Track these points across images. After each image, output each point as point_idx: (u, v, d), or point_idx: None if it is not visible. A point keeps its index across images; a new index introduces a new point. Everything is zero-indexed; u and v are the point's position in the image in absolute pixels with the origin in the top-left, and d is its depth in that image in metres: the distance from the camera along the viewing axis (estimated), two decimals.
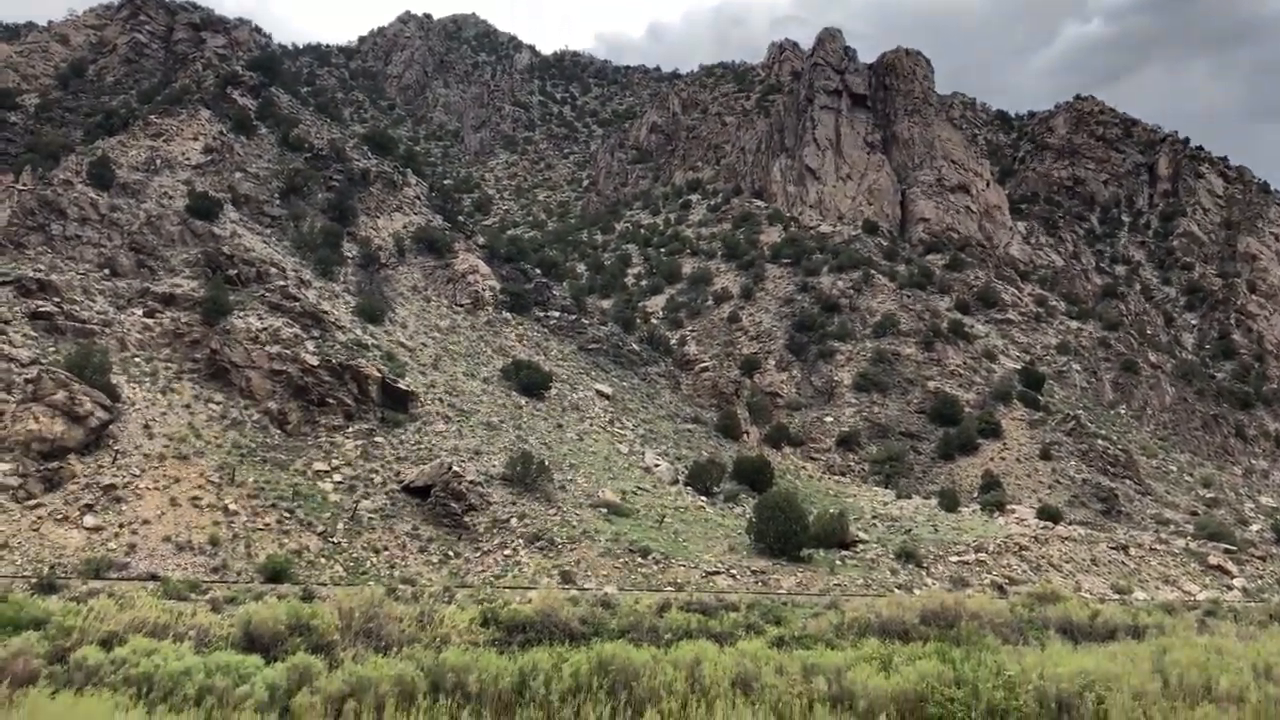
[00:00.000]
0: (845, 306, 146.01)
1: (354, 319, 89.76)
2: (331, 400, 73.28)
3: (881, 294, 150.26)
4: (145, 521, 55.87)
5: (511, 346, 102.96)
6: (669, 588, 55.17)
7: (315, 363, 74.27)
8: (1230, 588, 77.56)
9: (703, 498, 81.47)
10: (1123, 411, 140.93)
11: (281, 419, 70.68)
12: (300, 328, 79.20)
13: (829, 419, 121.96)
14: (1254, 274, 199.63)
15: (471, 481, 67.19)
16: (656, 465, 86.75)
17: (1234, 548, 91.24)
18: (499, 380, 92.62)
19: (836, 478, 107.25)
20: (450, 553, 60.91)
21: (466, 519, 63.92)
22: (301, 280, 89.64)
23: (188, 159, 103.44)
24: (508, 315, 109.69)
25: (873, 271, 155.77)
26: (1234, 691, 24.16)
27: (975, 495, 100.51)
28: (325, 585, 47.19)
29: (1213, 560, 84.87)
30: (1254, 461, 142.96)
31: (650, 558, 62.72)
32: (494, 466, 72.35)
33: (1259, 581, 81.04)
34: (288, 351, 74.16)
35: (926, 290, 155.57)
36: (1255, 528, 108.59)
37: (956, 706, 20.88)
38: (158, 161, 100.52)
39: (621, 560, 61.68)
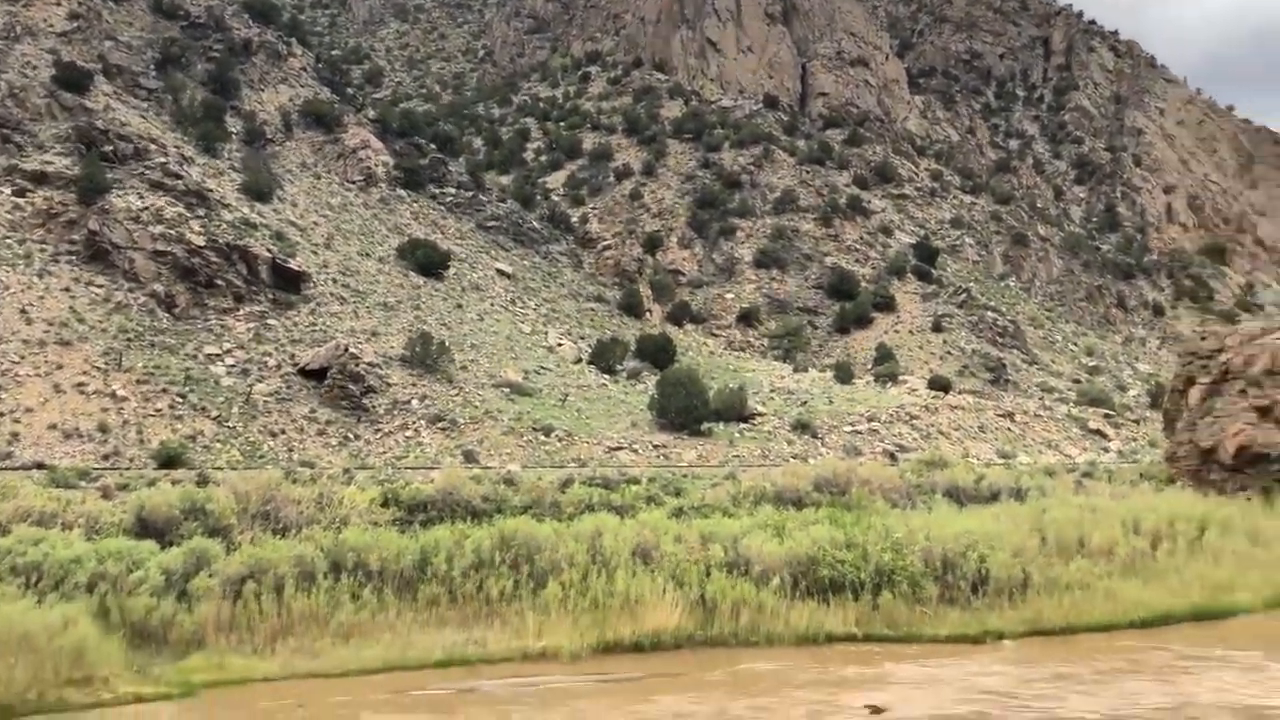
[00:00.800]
0: (746, 183, 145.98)
1: (240, 197, 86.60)
2: (220, 282, 71.12)
3: (782, 170, 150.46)
4: (28, 409, 54.06)
5: (407, 225, 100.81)
6: (572, 464, 55.80)
7: (201, 243, 71.75)
8: (1107, 450, 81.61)
9: (606, 376, 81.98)
10: (1012, 284, 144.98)
11: (169, 302, 68.45)
12: (184, 207, 76.18)
13: (730, 295, 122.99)
14: (1140, 148, 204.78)
15: (369, 363, 66.37)
16: (559, 344, 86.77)
17: (1112, 412, 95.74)
18: (395, 260, 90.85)
19: (737, 353, 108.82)
20: (350, 435, 60.45)
21: (366, 401, 63.33)
22: (183, 157, 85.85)
23: (51, 26, 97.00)
24: (402, 192, 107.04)
25: (773, 147, 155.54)
26: (1105, 546, 25.57)
27: (869, 367, 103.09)
28: (221, 470, 46.49)
29: (1092, 425, 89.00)
30: (1133, 330, 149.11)
31: (553, 435, 63.17)
32: (392, 348, 71.49)
33: (1133, 443, 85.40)
34: (172, 232, 71.42)
35: (826, 166, 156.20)
36: (1132, 393, 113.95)
37: (847, 568, 21.66)
38: (17, 28, 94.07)
39: (525, 439, 62.02)
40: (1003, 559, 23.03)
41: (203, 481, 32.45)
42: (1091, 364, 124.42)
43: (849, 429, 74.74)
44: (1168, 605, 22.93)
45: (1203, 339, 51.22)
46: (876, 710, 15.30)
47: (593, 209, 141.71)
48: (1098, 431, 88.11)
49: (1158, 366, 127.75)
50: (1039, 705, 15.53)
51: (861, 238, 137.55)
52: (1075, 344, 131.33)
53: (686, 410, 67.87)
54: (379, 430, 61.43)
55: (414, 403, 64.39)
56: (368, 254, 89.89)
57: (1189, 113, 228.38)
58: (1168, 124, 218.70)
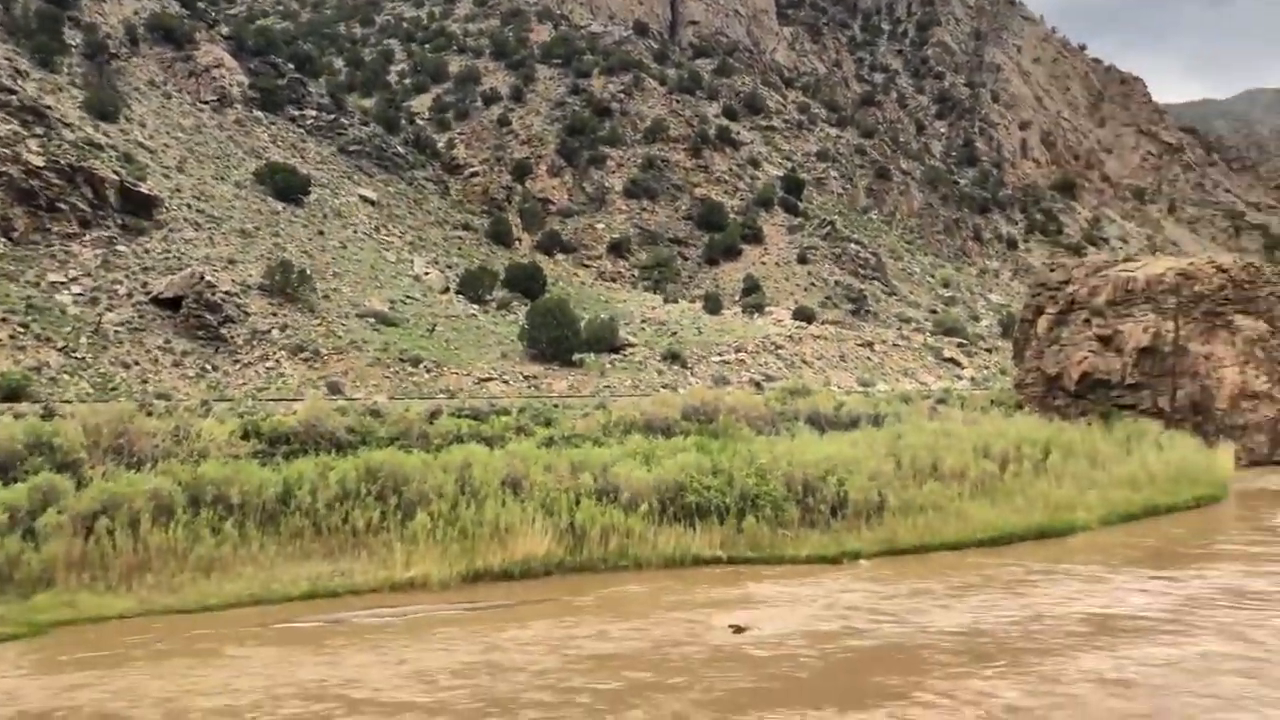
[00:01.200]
0: (616, 111, 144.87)
1: (83, 116, 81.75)
2: (63, 205, 67.32)
3: (652, 99, 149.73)
4: None
5: (265, 148, 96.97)
6: (441, 395, 55.27)
7: (40, 163, 67.63)
8: (960, 378, 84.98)
9: (474, 305, 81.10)
10: (874, 216, 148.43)
11: (5, 226, 64.53)
12: (20, 124, 71.53)
13: (600, 225, 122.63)
14: (997, 84, 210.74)
15: (227, 292, 64.10)
16: (426, 273, 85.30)
17: (966, 342, 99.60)
18: (252, 184, 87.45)
19: (607, 284, 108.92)
20: (208, 366, 58.49)
21: (224, 331, 61.25)
22: (17, 71, 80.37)
23: None
24: (259, 114, 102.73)
25: (643, 75, 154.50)
26: (957, 469, 26.76)
27: (737, 298, 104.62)
28: (70, 403, 44.43)
29: (947, 354, 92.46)
30: (987, 262, 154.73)
31: (421, 366, 62.37)
32: (251, 276, 69.12)
33: (985, 371, 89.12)
34: (7, 151, 67.07)
35: (695, 96, 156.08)
36: (985, 323, 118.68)
37: (713, 494, 22.15)
38: None
39: (391, 370, 61.07)
40: (861, 483, 23.90)
41: (48, 415, 30.97)
42: (947, 295, 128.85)
43: (717, 359, 75.94)
44: (1014, 524, 24.20)
45: (1051, 271, 53.54)
46: (739, 629, 15.77)
47: (459, 135, 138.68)
48: (952, 360, 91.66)
49: (1009, 297, 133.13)
50: (903, 618, 16.27)
51: (730, 169, 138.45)
52: (933, 275, 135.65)
53: (557, 341, 67.82)
54: (238, 361, 59.59)
55: (275, 333, 62.56)
56: (223, 178, 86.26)
57: (1044, 50, 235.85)
58: (1024, 61, 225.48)
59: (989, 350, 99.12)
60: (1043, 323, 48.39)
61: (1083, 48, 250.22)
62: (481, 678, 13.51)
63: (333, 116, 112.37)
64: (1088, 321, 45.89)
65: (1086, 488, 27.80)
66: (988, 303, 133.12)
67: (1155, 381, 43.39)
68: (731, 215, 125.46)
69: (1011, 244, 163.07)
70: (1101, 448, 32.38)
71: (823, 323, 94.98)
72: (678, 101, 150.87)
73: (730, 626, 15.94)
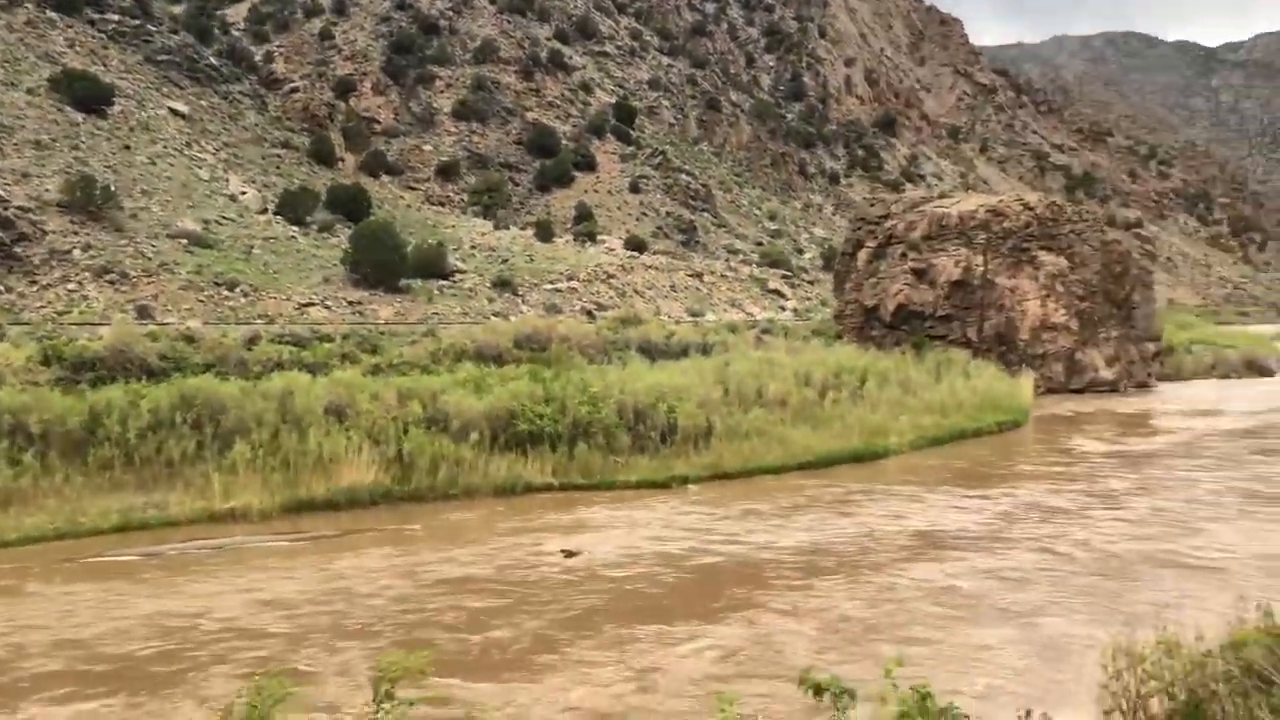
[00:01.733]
0: (445, 29, 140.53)
1: None
2: None
3: (482, 18, 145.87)
4: None
5: (61, 53, 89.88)
6: (259, 320, 53.16)
7: None
8: (784, 308, 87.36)
9: (295, 228, 77.97)
10: (705, 148, 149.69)
11: None
12: None
13: (428, 147, 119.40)
14: (825, 19, 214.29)
15: (20, 207, 59.57)
16: (243, 193, 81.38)
17: (790, 274, 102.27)
18: (47, 92, 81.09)
19: (435, 208, 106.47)
20: (1, 287, 54.46)
21: (18, 250, 57.02)
22: None
23: None
24: (53, 15, 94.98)
25: None
26: (780, 396, 27.58)
27: (569, 226, 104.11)
28: None
29: (772, 285, 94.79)
30: (812, 196, 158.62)
31: (238, 290, 59.77)
32: (48, 191, 64.38)
33: (807, 302, 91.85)
34: None
35: (527, 17, 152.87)
36: (808, 255, 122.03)
37: (545, 421, 22.17)
38: None
39: (206, 294, 58.30)
40: (690, 410, 24.37)
41: None
42: (773, 228, 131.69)
43: (549, 287, 75.59)
44: (832, 448, 25.17)
45: (871, 206, 55.32)
46: (570, 554, 15.92)
47: (278, 48, 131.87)
48: (776, 291, 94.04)
49: (832, 231, 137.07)
50: (739, 538, 16.75)
51: (563, 94, 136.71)
52: (760, 208, 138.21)
53: (383, 266, 66.00)
54: (35, 283, 55.67)
55: (76, 253, 58.63)
56: (14, 84, 79.62)
57: None
58: None
59: (811, 282, 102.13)
60: (862, 256, 50.09)
61: None
62: (338, 604, 13.36)
63: (138, 22, 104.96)
64: (904, 255, 47.75)
65: (899, 413, 29.14)
66: (811, 236, 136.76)
67: (965, 313, 45.64)
68: (564, 141, 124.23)
69: (834, 179, 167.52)
70: (914, 376, 33.93)
71: (654, 253, 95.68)
72: (508, 22, 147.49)
73: (562, 551, 16.07)
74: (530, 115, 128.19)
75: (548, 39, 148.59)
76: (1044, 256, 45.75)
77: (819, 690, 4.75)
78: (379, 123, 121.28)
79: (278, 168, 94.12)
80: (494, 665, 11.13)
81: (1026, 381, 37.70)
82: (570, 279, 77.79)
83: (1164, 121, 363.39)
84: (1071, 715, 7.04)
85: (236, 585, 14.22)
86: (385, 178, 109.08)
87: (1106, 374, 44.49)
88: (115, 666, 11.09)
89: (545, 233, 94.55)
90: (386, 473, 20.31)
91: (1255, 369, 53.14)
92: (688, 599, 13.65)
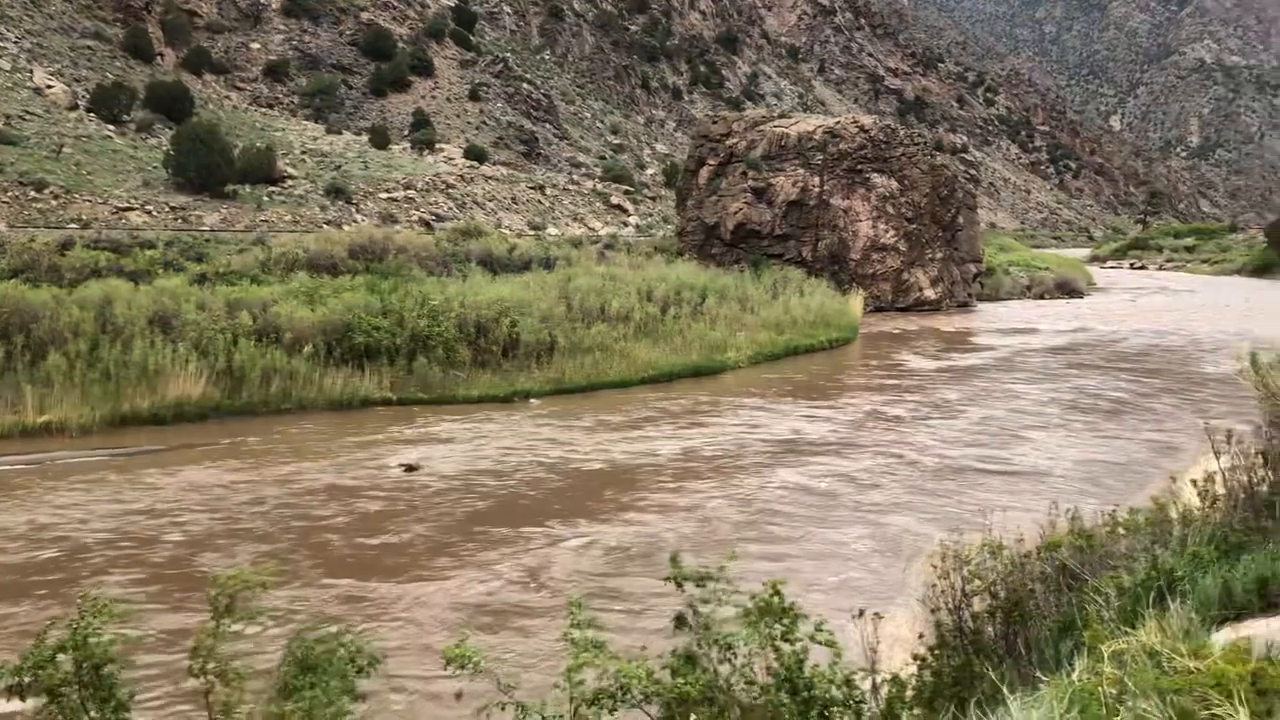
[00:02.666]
0: None
1: None
2: None
3: None
4: None
5: None
6: (73, 225, 49.94)
7: None
8: (626, 224, 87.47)
9: (110, 126, 73.10)
10: (547, 57, 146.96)
11: None
12: None
13: (255, 46, 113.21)
14: None
15: None
16: (50, 86, 75.60)
17: (632, 189, 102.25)
18: None
19: (264, 110, 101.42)
20: None
21: None
22: None
23: None
24: None
25: None
26: (623, 312, 27.73)
27: (406, 133, 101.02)
28: None
29: (614, 200, 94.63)
30: (654, 112, 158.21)
31: (47, 192, 55.92)
32: None
33: (649, 219, 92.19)
34: None
35: None
36: (650, 171, 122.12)
37: (382, 334, 21.71)
38: None
39: (11, 194, 54.31)
40: (532, 324, 24.27)
41: None
42: (616, 142, 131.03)
43: (385, 195, 73.42)
44: (674, 363, 25.58)
45: (713, 123, 55.60)
46: (411, 468, 15.77)
47: None
48: (619, 207, 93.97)
49: (673, 148, 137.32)
50: (585, 449, 16.87)
51: None
52: (602, 121, 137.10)
53: (207, 169, 62.68)
54: None
55: None
56: None
57: None
58: None
59: (654, 199, 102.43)
60: (704, 174, 50.45)
61: None
62: (219, 511, 13.06)
63: None
64: (744, 174, 48.33)
65: (738, 330, 29.78)
66: (653, 152, 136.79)
67: (800, 233, 46.71)
68: (400, 45, 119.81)
69: (677, 95, 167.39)
70: (752, 293, 34.66)
71: (495, 163, 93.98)
72: None
73: (402, 465, 15.90)
74: (365, 16, 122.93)
75: None
76: (876, 179, 47.07)
77: (684, 579, 4.82)
78: (201, 16, 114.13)
79: (89, 60, 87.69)
80: (390, 569, 11.13)
81: (856, 300, 39.04)
82: (407, 188, 75.77)
83: (991, 50, 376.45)
84: (905, 611, 7.47)
85: (96, 496, 13.60)
86: (209, 76, 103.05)
87: (931, 293, 46.43)
88: None
89: (381, 139, 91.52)
90: (215, 386, 19.58)
91: (1067, 290, 56.41)
92: (568, 499, 13.76)
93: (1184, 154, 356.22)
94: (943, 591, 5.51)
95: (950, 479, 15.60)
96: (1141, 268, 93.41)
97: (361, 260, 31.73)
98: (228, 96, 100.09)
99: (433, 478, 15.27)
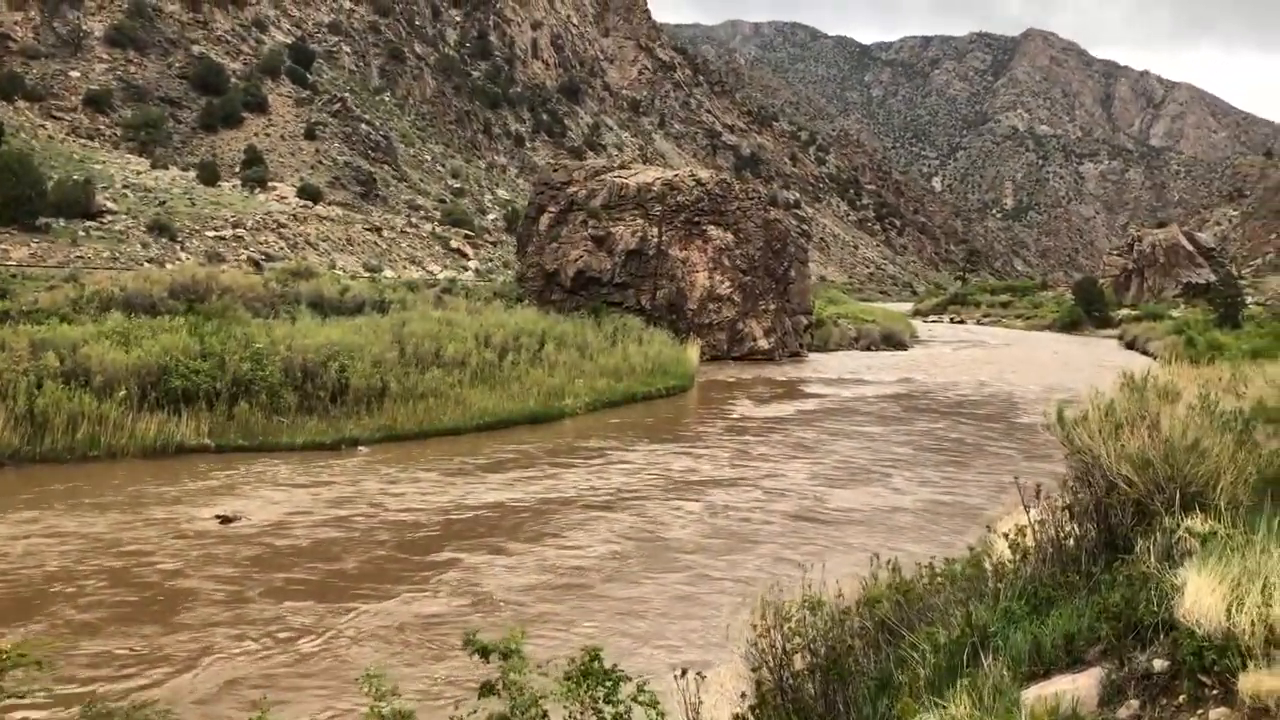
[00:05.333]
0: None
1: None
2: None
3: None
4: None
5: None
6: None
7: None
8: (466, 269, 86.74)
9: None
10: (387, 99, 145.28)
11: None
12: None
13: (75, 74, 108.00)
14: None
15: None
16: None
17: (472, 233, 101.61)
18: None
19: (83, 141, 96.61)
20: None
21: None
22: None
23: None
24: None
25: None
26: (459, 357, 27.30)
27: (237, 170, 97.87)
28: None
29: (454, 244, 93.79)
30: (496, 157, 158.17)
31: None
32: None
33: (490, 263, 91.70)
34: None
35: None
36: (491, 216, 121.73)
37: (202, 378, 20.71)
38: None
39: None
40: (363, 369, 23.58)
41: None
42: (457, 186, 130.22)
43: (212, 234, 70.71)
44: (510, 409, 25.25)
45: (555, 171, 55.86)
46: (227, 520, 14.98)
47: None
48: (458, 250, 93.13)
49: (515, 193, 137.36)
50: (420, 497, 16.32)
51: (234, 29, 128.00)
52: (443, 165, 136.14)
53: (17, 201, 59.10)
54: None
55: None
56: None
57: None
58: None
59: (494, 244, 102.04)
60: (545, 220, 50.51)
61: None
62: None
63: None
64: (585, 222, 48.62)
65: (576, 377, 29.70)
66: (495, 197, 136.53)
67: (640, 281, 47.19)
68: (233, 80, 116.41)
69: (519, 141, 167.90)
70: (591, 340, 34.69)
71: (329, 203, 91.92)
72: None
73: (217, 517, 15.08)
74: (197, 49, 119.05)
75: None
76: (713, 230, 48.07)
77: (485, 652, 4.63)
78: (14, 40, 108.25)
79: None
80: (190, 627, 10.26)
81: (693, 349, 39.58)
82: (236, 226, 73.24)
83: (823, 111, 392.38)
84: (731, 668, 7.41)
85: None
86: (22, 103, 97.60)
87: (764, 343, 47.52)
88: None
89: (210, 175, 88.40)
90: (15, 431, 18.25)
91: (892, 342, 58.64)
92: (354, 564, 13.19)
93: (999, 215, 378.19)
94: (763, 650, 5.46)
95: (788, 525, 15.80)
96: (961, 322, 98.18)
97: (183, 300, 30.37)
98: (43, 125, 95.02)
99: (249, 529, 14.53)
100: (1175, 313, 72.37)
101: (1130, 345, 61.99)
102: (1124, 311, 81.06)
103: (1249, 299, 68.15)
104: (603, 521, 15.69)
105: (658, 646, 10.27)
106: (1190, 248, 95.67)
